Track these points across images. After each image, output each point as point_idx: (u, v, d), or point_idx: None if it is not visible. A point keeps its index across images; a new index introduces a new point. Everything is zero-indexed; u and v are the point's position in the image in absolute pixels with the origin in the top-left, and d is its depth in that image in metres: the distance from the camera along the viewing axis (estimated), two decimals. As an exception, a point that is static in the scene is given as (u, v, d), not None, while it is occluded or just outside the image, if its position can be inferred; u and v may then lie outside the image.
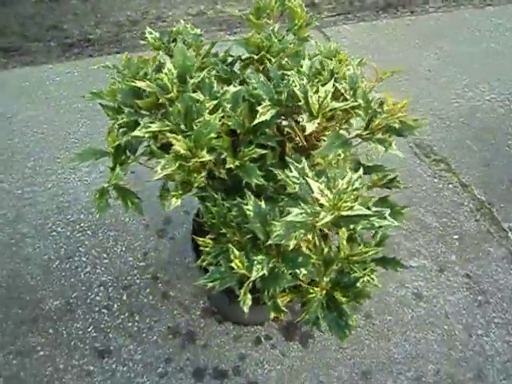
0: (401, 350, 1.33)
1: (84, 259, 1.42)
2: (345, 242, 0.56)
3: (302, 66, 0.74)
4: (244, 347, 1.30)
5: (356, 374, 1.28)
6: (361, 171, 0.57)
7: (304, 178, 0.59)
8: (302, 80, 0.66)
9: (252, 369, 1.26)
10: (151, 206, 1.54)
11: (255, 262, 0.61)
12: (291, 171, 0.62)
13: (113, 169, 0.81)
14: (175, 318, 1.33)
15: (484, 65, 2.22)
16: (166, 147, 0.78)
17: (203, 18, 2.32)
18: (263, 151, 0.70)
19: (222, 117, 0.67)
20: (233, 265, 0.63)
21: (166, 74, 0.70)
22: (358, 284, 0.62)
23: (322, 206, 0.54)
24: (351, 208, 0.54)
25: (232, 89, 0.71)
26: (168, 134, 0.66)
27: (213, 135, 0.65)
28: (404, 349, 1.33)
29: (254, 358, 1.28)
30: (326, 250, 0.60)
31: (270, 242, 0.57)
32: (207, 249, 0.72)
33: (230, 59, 0.95)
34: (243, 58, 0.92)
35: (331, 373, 1.27)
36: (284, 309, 0.61)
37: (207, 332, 1.31)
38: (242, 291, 0.62)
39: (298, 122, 0.73)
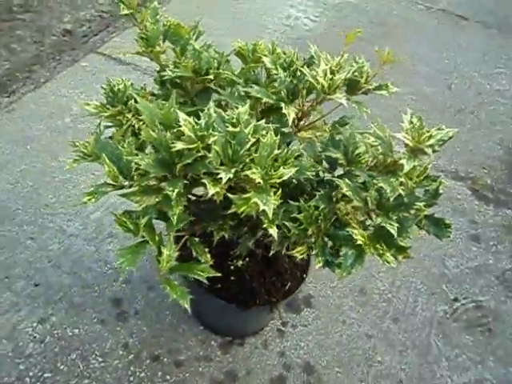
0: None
1: (69, 402, 1.16)
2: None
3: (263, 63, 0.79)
4: (276, 346, 1.33)
5: (357, 297, 1.48)
6: (409, 111, 0.70)
7: (384, 141, 0.68)
8: (312, 71, 0.72)
9: (296, 355, 1.32)
10: (88, 295, 1.33)
11: (385, 223, 0.68)
12: (368, 139, 0.69)
13: (159, 254, 0.71)
14: (204, 373, 1.25)
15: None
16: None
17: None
18: (301, 146, 0.75)
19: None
20: (359, 243, 0.69)
21: (184, 125, 0.64)
22: (441, 190, 0.77)
23: (408, 146, 0.65)
24: (431, 136, 0.66)
25: (242, 109, 0.71)
26: (247, 172, 0.62)
27: (276, 152, 0.66)
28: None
29: (290, 346, 1.33)
30: (411, 184, 0.71)
31: (393, 198, 0.65)
32: (315, 251, 0.73)
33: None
34: (173, 83, 0.89)
35: (343, 309, 1.44)
36: (408, 245, 0.70)
37: (240, 360, 1.28)
38: (387, 249, 0.68)
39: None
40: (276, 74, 0.78)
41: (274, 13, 2.71)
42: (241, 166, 0.66)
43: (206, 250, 0.81)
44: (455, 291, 1.53)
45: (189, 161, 0.64)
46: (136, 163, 0.65)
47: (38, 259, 1.42)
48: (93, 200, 0.68)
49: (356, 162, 0.76)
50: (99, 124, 0.76)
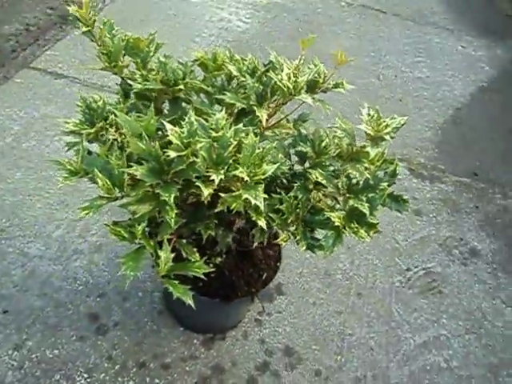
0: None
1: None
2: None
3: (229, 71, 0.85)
4: (256, 335, 1.40)
5: (322, 279, 1.59)
6: (366, 105, 0.80)
7: (348, 133, 0.77)
8: (277, 75, 0.79)
9: (275, 340, 1.40)
10: (62, 314, 1.31)
11: (357, 204, 0.77)
12: (336, 132, 0.78)
13: (157, 257, 0.75)
14: (192, 371, 1.29)
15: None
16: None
17: None
18: (274, 144, 0.82)
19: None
20: (337, 224, 0.77)
21: (172, 135, 0.68)
22: (397, 171, 0.88)
23: (369, 135, 0.75)
24: (388, 125, 0.76)
25: (219, 115, 0.76)
26: (234, 172, 0.68)
27: (258, 151, 0.72)
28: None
29: (268, 333, 1.41)
30: (374, 168, 0.81)
31: (361, 181, 0.74)
32: (298, 237, 0.81)
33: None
34: (139, 94, 0.92)
35: (312, 292, 1.54)
36: (377, 221, 0.80)
37: (224, 354, 1.34)
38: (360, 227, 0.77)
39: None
40: (243, 81, 0.84)
41: (206, 17, 2.76)
42: (226, 168, 0.72)
43: (194, 249, 0.86)
44: (407, 262, 1.69)
45: (181, 167, 0.69)
46: (130, 174, 0.68)
47: (2, 286, 1.38)
48: (90, 214, 0.70)
49: (323, 153, 0.85)
50: (82, 141, 0.78)
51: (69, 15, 1.01)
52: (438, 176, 2.07)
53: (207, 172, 0.70)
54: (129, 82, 1.00)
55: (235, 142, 0.72)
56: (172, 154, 0.68)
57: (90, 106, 0.81)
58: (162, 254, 0.74)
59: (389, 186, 0.84)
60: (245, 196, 0.70)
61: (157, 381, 1.26)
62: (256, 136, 0.73)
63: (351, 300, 1.54)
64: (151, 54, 1.00)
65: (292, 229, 0.83)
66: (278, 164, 0.74)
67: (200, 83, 0.87)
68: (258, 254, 1.20)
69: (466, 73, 2.80)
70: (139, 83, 0.87)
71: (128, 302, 1.40)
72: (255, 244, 0.90)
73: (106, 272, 1.46)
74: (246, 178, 0.70)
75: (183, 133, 0.70)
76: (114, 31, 1.04)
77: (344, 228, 0.78)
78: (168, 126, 0.70)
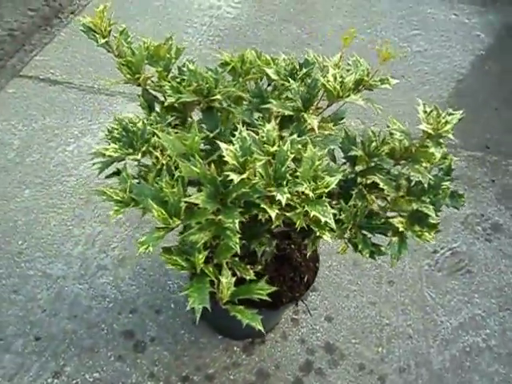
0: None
1: None
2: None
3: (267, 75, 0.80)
4: (295, 335, 1.38)
5: (352, 270, 1.57)
6: (421, 101, 0.75)
7: (406, 133, 0.73)
8: (324, 77, 0.74)
9: (314, 338, 1.38)
10: (97, 335, 1.27)
11: (421, 208, 0.73)
12: (395, 134, 0.74)
13: (218, 279, 0.71)
14: (237, 379, 1.27)
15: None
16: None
17: None
18: (325, 151, 0.77)
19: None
20: (401, 229, 0.74)
21: (227, 155, 0.64)
22: (453, 166, 0.85)
23: (427, 133, 0.71)
24: (447, 122, 0.73)
25: (269, 126, 0.71)
26: (298, 188, 0.64)
27: (317, 162, 0.68)
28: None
29: (307, 332, 1.39)
30: (430, 166, 0.78)
31: (425, 183, 0.71)
32: (360, 246, 0.78)
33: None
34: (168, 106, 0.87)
35: (344, 285, 1.52)
36: (438, 221, 0.77)
37: (266, 358, 1.32)
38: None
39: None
40: (286, 85, 0.79)
41: (195, 5, 2.66)
42: (285, 183, 0.68)
43: (248, 267, 0.82)
44: (432, 244, 1.67)
45: (244, 190, 0.64)
46: (187, 202, 0.63)
47: (29, 312, 1.33)
48: (150, 249, 0.65)
49: (375, 155, 0.81)
50: (125, 169, 0.73)
51: (81, 25, 0.94)
52: (450, 152, 2.04)
53: (268, 191, 0.65)
54: (153, 93, 0.94)
55: (292, 156, 0.68)
56: (234, 177, 0.63)
57: (126, 128, 0.74)
58: (223, 279, 0.70)
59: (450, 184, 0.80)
60: (312, 213, 0.66)
61: (204, 394, 1.23)
62: (314, 147, 0.69)
63: (383, 289, 1.53)
64: (173, 60, 0.94)
65: (348, 235, 0.80)
66: (340, 174, 0.70)
67: (236, 90, 0.82)
68: (295, 257, 1.16)
69: (463, 42, 2.75)
70: (170, 95, 0.82)
71: (162, 315, 1.37)
72: (309, 253, 0.86)
73: (133, 286, 1.42)
74: (311, 194, 0.66)
75: (237, 151, 0.66)
76: (129, 39, 0.97)
77: (407, 232, 0.75)
78: (222, 146, 0.65)
